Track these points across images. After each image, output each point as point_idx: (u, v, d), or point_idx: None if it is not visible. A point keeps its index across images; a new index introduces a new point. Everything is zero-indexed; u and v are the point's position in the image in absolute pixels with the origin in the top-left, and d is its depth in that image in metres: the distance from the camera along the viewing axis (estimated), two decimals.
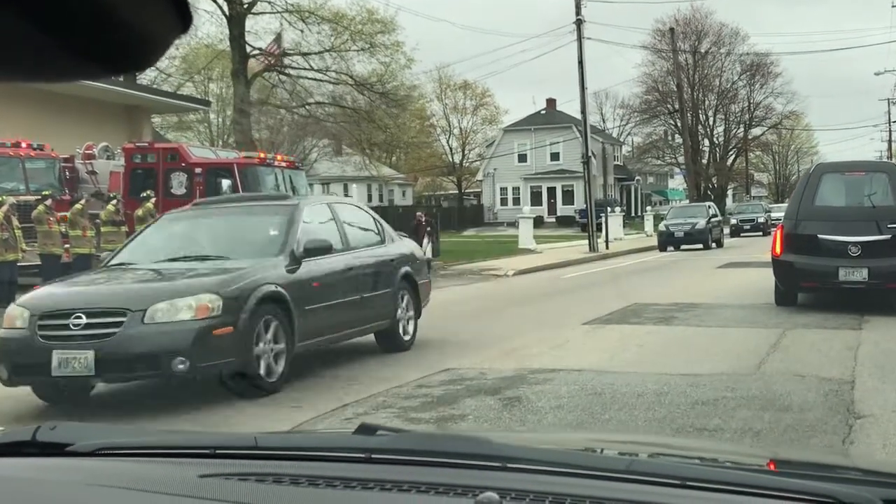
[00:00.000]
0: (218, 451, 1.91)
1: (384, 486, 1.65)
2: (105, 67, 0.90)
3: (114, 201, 22.28)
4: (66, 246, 20.79)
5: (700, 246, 39.59)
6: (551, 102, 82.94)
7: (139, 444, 2.02)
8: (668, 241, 39.83)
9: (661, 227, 41.53)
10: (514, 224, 49.07)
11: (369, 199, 68.78)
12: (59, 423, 2.05)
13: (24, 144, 23.21)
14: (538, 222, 53.04)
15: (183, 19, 0.90)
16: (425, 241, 28.10)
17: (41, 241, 20.44)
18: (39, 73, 0.89)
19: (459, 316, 16.46)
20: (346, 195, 36.95)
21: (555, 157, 78.21)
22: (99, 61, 0.89)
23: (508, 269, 28.82)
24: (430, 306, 13.96)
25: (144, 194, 22.91)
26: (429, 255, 27.80)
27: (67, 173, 25.03)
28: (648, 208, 72.02)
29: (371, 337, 12.25)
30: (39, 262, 20.40)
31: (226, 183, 24.72)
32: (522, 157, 79.51)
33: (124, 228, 22.13)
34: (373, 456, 1.81)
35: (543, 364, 10.98)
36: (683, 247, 39.51)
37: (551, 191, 78.48)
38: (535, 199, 77.26)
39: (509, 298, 20.25)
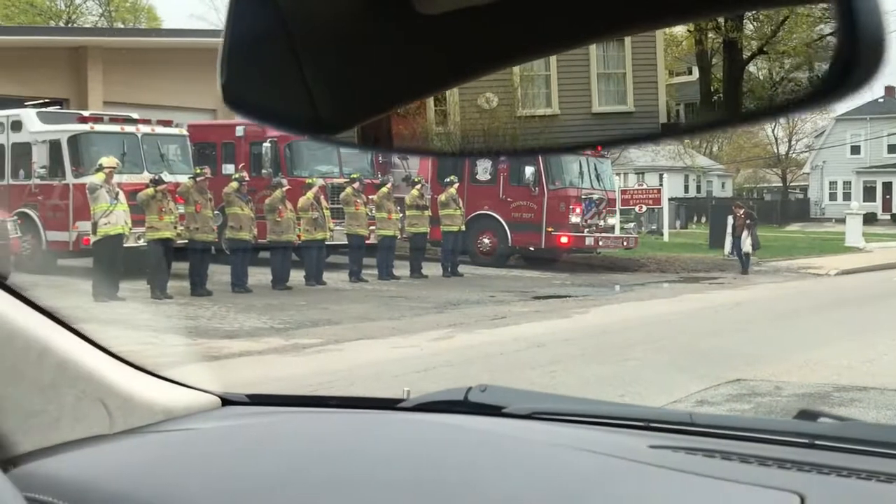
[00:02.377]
0: (652, 424, 1.96)
1: (821, 471, 1.66)
2: None
3: (418, 186, 22.60)
4: (372, 228, 21.32)
5: None
6: (890, 90, 76.56)
7: (573, 411, 2.09)
8: None
9: None
10: (842, 220, 45.63)
11: (685, 189, 66.67)
12: (488, 385, 2.15)
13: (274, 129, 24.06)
14: (870, 219, 49.12)
15: None
16: (744, 233, 26.42)
17: (348, 222, 21.09)
18: None
19: (761, 317, 15.16)
20: (660, 185, 35.60)
21: (892, 149, 72.37)
22: None
23: (830, 268, 26.65)
24: (727, 304, 12.81)
25: (448, 179, 23.07)
26: (747, 248, 26.19)
27: (380, 158, 25.75)
28: None
29: (644, 342, 11.33)
30: (346, 242, 21.04)
31: (529, 170, 24.44)
32: (855, 149, 74.16)
33: (427, 213, 22.42)
34: (816, 442, 1.80)
35: (853, 380, 9.69)
36: None
37: (887, 186, 72.77)
38: (868, 194, 71.95)
39: (824, 301, 18.51)
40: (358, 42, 0.94)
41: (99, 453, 1.80)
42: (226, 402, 2.18)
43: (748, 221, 27.31)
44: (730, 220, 29.51)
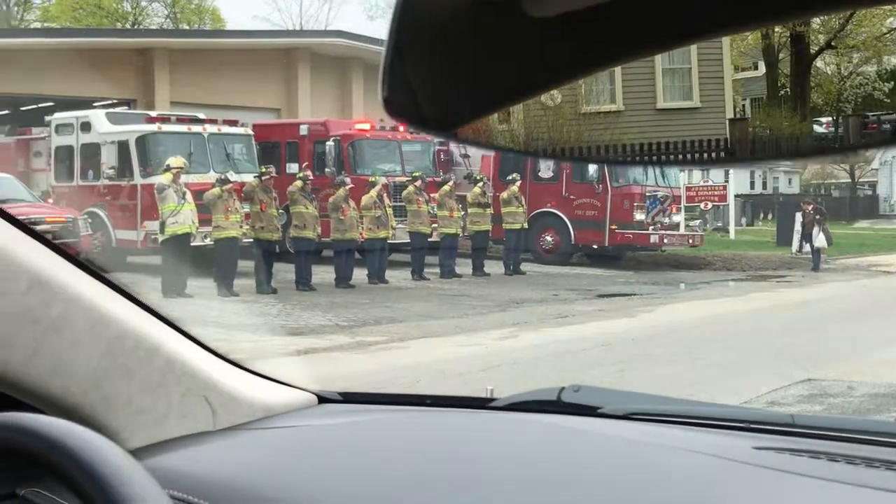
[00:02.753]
0: (753, 426, 1.93)
1: None
2: None
3: (480, 184, 22.59)
4: (434, 225, 21.36)
5: None
6: None
7: (671, 412, 2.07)
8: None
9: None
10: None
11: (751, 186, 65.73)
12: (581, 385, 2.13)
13: (401, 128, 24.19)
14: None
15: None
16: (815, 229, 25.98)
17: (410, 220, 21.16)
18: None
19: (830, 315, 14.87)
20: (726, 182, 35.11)
21: None
22: None
23: None
24: (795, 303, 12.61)
25: (511, 177, 22.99)
26: (821, 244, 25.75)
27: (442, 156, 25.81)
28: None
29: (712, 341, 11.20)
30: (408, 240, 21.12)
31: (592, 167, 24.28)
32: None
33: (489, 210, 22.40)
34: None
35: None
36: None
37: None
38: None
39: (894, 299, 18.06)
40: (479, 46, 0.97)
41: (205, 450, 1.83)
42: (321, 399, 2.20)
43: (818, 217, 26.85)
44: (798, 216, 29.03)
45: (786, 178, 77.37)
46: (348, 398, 2.26)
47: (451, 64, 0.99)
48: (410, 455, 1.85)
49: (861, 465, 1.68)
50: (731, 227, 37.93)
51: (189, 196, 16.90)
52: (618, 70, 1.13)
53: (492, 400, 2.20)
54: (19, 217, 1.66)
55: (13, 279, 1.55)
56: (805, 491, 1.62)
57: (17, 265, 1.56)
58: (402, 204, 21.52)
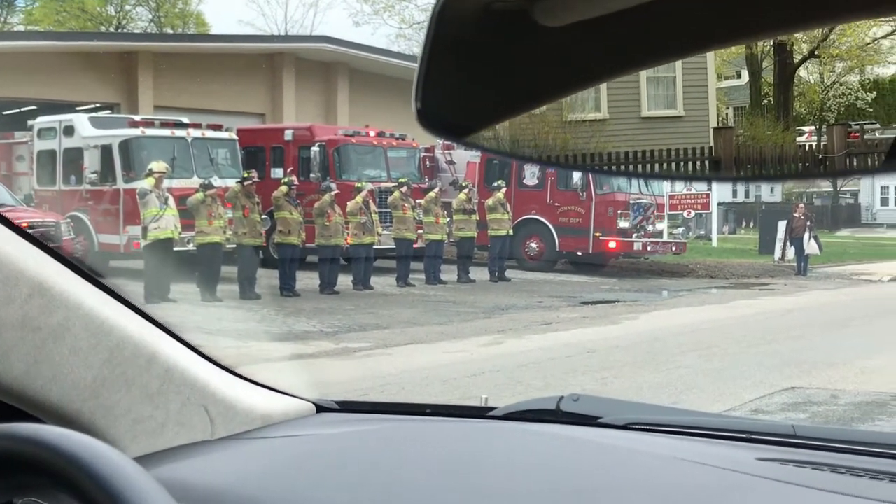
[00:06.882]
0: (754, 437, 1.92)
1: None
2: None
3: (465, 190, 22.61)
4: (420, 232, 21.35)
5: None
6: None
7: (671, 423, 2.05)
8: None
9: None
10: (894, 226, 44.91)
11: (734, 194, 65.95)
12: (580, 395, 2.12)
13: (387, 134, 24.20)
14: None
15: None
16: (805, 235, 26.12)
17: (396, 226, 21.16)
18: None
19: (813, 324, 14.94)
20: (709, 190, 35.19)
21: None
22: None
23: (882, 274, 26.22)
24: (778, 311, 12.67)
25: (496, 184, 23.04)
26: (812, 250, 25.90)
27: (427, 162, 25.82)
28: None
29: (695, 349, 11.23)
30: (393, 246, 21.10)
31: (577, 175, 24.33)
32: None
33: (475, 217, 22.42)
34: None
35: None
36: None
37: None
38: None
39: (878, 307, 18.20)
40: (497, 57, 1.02)
41: (203, 459, 1.82)
42: (319, 408, 2.19)
43: (808, 223, 26.96)
44: (780, 225, 29.11)
45: (768, 187, 77.63)
46: (346, 407, 2.25)
47: (474, 74, 1.03)
48: (410, 465, 1.84)
49: (865, 476, 1.68)
50: (714, 235, 38.06)
51: (171, 201, 16.83)
52: None
53: (490, 409, 2.20)
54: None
55: (14, 286, 1.54)
56: (810, 503, 1.61)
57: (18, 272, 1.55)
58: (388, 210, 21.51)
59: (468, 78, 1.03)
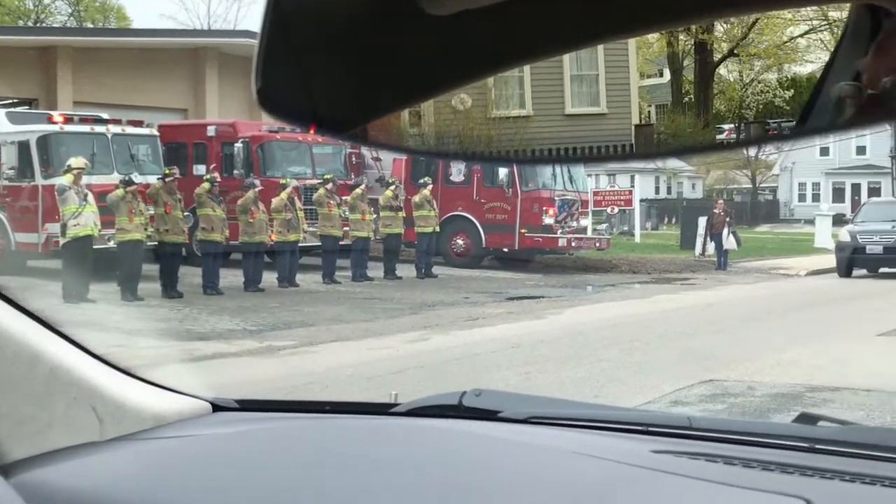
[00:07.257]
0: (651, 429, 1.94)
1: (824, 475, 1.66)
2: None
3: (392, 187, 22.57)
4: (346, 228, 21.27)
5: None
6: None
7: (570, 416, 2.07)
8: (853, 259, 24.95)
9: (843, 235, 25.88)
10: (811, 221, 46.01)
11: (656, 191, 66.98)
12: (483, 390, 2.12)
13: (311, 130, 24.00)
14: (839, 220, 49.49)
15: None
16: (724, 231, 26.63)
17: (321, 223, 21.03)
18: None
19: (733, 317, 15.23)
20: (631, 187, 35.73)
21: (861, 150, 72.98)
22: None
23: (800, 268, 26.84)
24: (699, 305, 12.89)
25: (422, 181, 23.05)
26: (730, 246, 26.38)
27: (353, 159, 25.69)
28: None
29: (618, 343, 11.38)
30: (319, 243, 20.99)
31: (502, 172, 24.46)
32: (824, 151, 74.74)
33: (401, 214, 22.39)
34: (816, 446, 1.79)
35: (824, 380, 9.73)
36: (884, 269, 24.75)
37: (855, 187, 73.39)
38: (838, 195, 72.53)
39: (795, 301, 18.62)
40: (371, 42, 0.95)
41: (91, 461, 1.78)
42: (216, 407, 2.15)
43: (728, 219, 27.47)
44: (701, 221, 29.63)
45: (689, 184, 79.02)
46: (245, 406, 2.21)
47: (341, 59, 0.95)
48: (307, 464, 1.81)
49: (757, 468, 1.70)
50: (637, 231, 38.63)
51: (91, 198, 16.47)
52: (527, 75, 1.13)
53: (393, 405, 2.19)
54: None
55: None
56: (701, 495, 1.63)
57: None
58: (314, 207, 21.37)
59: (322, 60, 0.95)
